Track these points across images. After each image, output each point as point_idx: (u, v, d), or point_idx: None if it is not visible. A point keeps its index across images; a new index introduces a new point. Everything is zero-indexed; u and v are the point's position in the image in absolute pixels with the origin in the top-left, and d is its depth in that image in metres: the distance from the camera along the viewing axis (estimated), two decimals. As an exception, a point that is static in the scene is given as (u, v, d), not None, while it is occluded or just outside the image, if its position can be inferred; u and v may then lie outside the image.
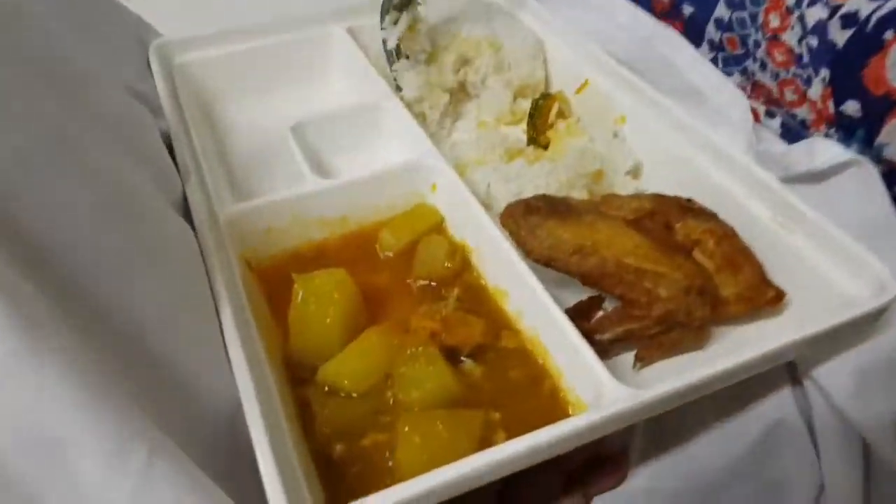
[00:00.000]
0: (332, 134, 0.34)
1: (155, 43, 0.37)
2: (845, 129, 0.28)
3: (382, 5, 0.36)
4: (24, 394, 0.18)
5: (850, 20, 0.27)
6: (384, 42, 0.36)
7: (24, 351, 0.17)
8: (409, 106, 0.34)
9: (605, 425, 0.22)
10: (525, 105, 0.36)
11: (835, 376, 0.28)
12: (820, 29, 0.28)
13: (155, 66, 0.36)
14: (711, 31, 0.33)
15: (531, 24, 0.38)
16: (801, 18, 0.28)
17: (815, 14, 0.28)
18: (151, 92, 0.34)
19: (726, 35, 0.32)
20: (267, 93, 0.38)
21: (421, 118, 0.36)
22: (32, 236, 0.19)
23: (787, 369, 0.30)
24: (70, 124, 0.25)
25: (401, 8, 0.36)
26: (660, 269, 0.25)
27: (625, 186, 0.32)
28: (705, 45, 0.33)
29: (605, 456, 0.31)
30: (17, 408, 0.18)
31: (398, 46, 0.36)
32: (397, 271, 0.30)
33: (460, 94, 0.37)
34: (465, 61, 0.38)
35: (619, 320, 0.26)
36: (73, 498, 0.19)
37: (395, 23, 0.36)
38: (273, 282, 0.29)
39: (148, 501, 0.19)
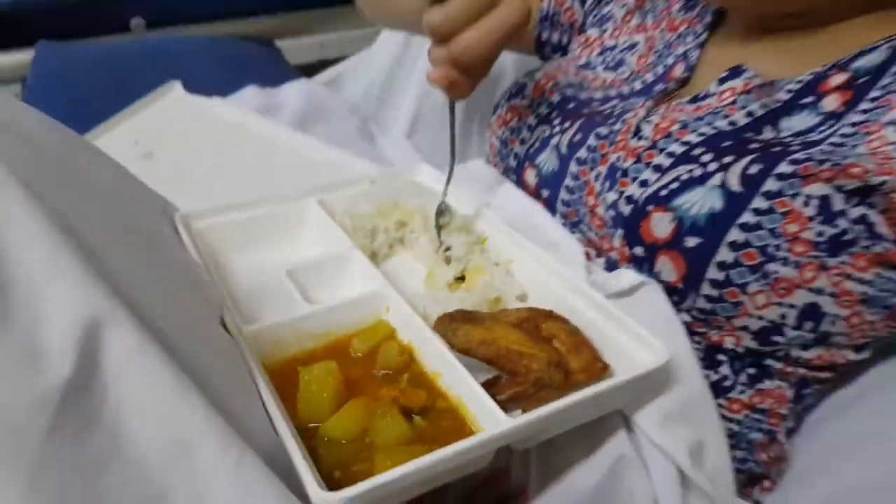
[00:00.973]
0: (315, 274, 0.49)
1: (179, 213, 0.52)
2: (637, 264, 0.46)
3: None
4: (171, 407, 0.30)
5: (630, 199, 0.46)
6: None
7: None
8: (373, 256, 0.50)
9: (494, 441, 0.37)
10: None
11: (647, 417, 0.44)
12: (614, 205, 0.46)
13: (181, 230, 0.51)
14: (559, 207, 0.51)
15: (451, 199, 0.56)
16: (604, 200, 0.47)
17: (612, 197, 0.47)
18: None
19: (567, 209, 0.51)
20: (262, 246, 0.54)
21: (374, 259, 0.52)
22: (177, 354, 0.32)
23: (622, 416, 0.46)
24: (158, 267, 0.39)
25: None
26: (532, 352, 0.41)
27: (514, 306, 0.49)
28: (558, 216, 0.51)
29: (512, 493, 0.46)
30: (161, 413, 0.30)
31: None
32: (365, 365, 0.44)
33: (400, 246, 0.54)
34: (403, 224, 0.55)
35: (509, 386, 0.41)
36: (195, 495, 0.31)
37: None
38: (279, 377, 0.43)
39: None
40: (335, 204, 0.56)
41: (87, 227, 0.32)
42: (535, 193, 0.54)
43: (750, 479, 0.54)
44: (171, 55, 0.97)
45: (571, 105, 0.54)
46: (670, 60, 0.55)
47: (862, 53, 0.47)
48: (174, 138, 0.78)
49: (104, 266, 0.30)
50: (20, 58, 1.04)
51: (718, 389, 0.48)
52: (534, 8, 0.67)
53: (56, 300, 0.28)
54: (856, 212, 0.42)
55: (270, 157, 0.76)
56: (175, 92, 0.86)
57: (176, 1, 1.44)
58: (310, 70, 1.15)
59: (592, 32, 0.61)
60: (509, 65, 0.91)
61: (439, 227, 0.52)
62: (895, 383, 0.53)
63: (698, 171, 0.44)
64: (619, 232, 0.47)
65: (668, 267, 0.45)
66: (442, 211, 0.54)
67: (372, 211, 0.55)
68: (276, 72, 1.02)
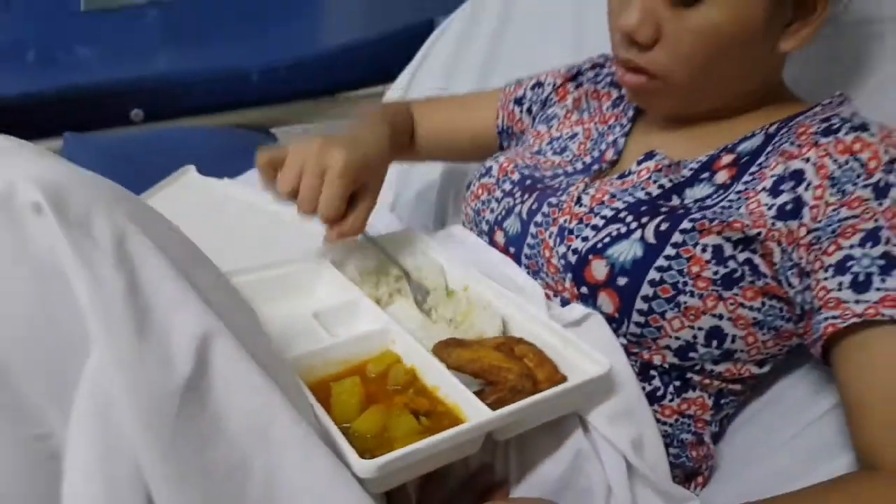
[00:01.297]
0: (335, 316, 0.62)
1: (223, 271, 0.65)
2: (584, 300, 0.61)
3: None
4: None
5: (575, 251, 0.60)
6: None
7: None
8: (378, 301, 0.64)
9: (482, 426, 0.49)
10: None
11: (597, 417, 0.56)
12: (564, 256, 0.61)
13: (224, 286, 0.63)
14: (523, 260, 0.66)
15: (436, 256, 0.70)
16: (557, 252, 0.62)
17: (562, 250, 0.61)
18: None
19: (529, 261, 0.65)
20: (289, 297, 0.66)
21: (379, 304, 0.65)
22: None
23: (579, 418, 0.58)
24: (231, 301, 0.51)
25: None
26: (508, 367, 0.54)
27: (492, 335, 0.62)
28: (523, 266, 0.66)
29: (496, 482, 0.58)
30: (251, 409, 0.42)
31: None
32: (380, 383, 0.57)
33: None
34: (399, 277, 0.69)
35: (492, 393, 0.54)
36: (271, 463, 0.42)
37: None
38: (315, 392, 0.55)
39: None
40: (345, 262, 0.69)
41: (189, 269, 0.44)
42: (504, 250, 0.68)
43: (687, 475, 0.67)
44: (183, 144, 1.11)
45: (528, 182, 0.69)
46: (603, 146, 0.71)
47: (744, 139, 0.63)
48: (192, 214, 0.91)
49: (206, 297, 0.43)
50: (47, 146, 1.17)
51: (652, 398, 0.61)
52: (491, 124, 0.85)
53: (180, 320, 0.41)
54: (742, 256, 0.57)
55: (276, 228, 0.90)
56: (190, 175, 0.99)
57: (171, 95, 1.60)
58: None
59: (541, 128, 0.78)
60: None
61: (425, 311, 0.66)
62: (791, 392, 0.67)
63: (624, 229, 0.59)
64: (569, 276, 0.61)
65: (606, 301, 0.59)
66: (419, 302, 0.67)
67: (375, 266, 0.69)
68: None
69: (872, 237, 0.53)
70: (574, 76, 0.81)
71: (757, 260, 0.57)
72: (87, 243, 0.39)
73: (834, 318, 0.53)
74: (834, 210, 0.55)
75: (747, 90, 0.63)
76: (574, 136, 0.74)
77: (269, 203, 0.94)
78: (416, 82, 1.18)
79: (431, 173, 1.06)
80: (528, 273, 0.65)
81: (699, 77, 0.59)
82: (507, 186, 0.70)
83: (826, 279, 0.54)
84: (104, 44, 1.91)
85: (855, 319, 0.52)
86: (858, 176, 0.55)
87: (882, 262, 0.52)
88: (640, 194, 0.61)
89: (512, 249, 0.67)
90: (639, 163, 0.64)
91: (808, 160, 0.57)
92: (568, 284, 0.61)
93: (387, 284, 0.68)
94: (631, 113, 0.72)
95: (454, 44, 1.17)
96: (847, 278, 0.53)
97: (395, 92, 1.22)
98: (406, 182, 1.11)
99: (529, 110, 0.82)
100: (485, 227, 0.71)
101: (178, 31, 2.13)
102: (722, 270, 0.57)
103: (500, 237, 0.69)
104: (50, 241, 0.38)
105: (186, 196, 0.95)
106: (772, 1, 0.56)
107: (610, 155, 0.69)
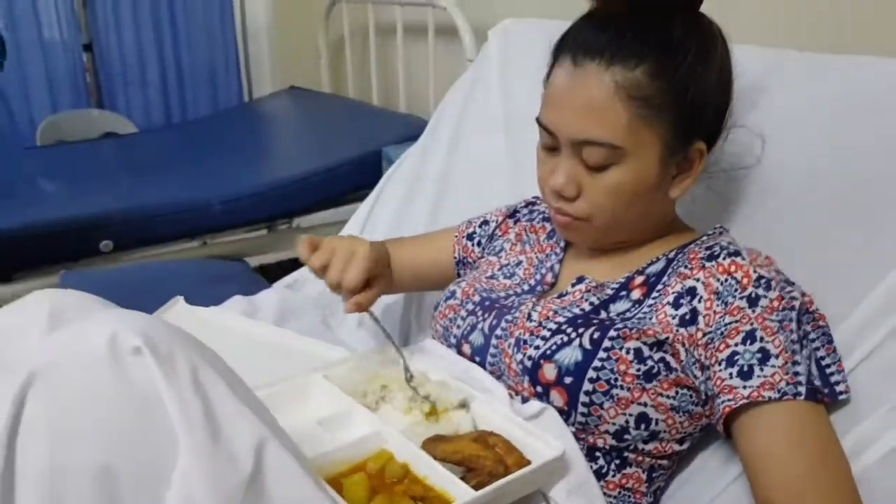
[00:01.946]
0: (335, 423, 0.75)
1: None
2: (539, 397, 0.75)
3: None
4: None
5: (530, 358, 0.75)
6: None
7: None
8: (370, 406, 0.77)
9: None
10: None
11: (558, 492, 0.69)
12: (521, 363, 0.76)
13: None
14: (488, 367, 0.81)
15: (416, 365, 0.84)
16: (515, 359, 0.77)
17: (519, 357, 0.77)
18: None
19: (492, 368, 0.80)
20: (289, 409, 0.78)
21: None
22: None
23: (542, 494, 0.71)
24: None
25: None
26: (485, 455, 0.68)
27: (467, 430, 0.76)
28: (487, 371, 0.81)
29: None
30: None
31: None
32: (380, 477, 0.69)
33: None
34: (384, 386, 0.82)
35: (472, 478, 0.67)
36: None
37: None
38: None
39: None
40: (335, 376, 0.82)
41: (237, 389, 0.57)
42: (471, 359, 0.83)
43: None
44: (168, 275, 1.23)
45: (487, 302, 0.85)
46: (543, 271, 0.88)
47: (651, 264, 0.81)
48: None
49: (252, 409, 0.56)
50: (44, 283, 1.27)
51: (598, 475, 0.75)
52: (449, 256, 1.02)
53: (241, 429, 0.53)
54: (657, 356, 0.74)
55: (262, 348, 1.02)
56: (179, 305, 1.11)
57: (139, 226, 1.71)
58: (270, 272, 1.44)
59: (492, 258, 0.95)
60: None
61: (413, 388, 0.80)
62: (708, 463, 0.83)
63: (566, 339, 0.75)
64: (526, 378, 0.76)
65: (556, 397, 0.74)
66: (409, 378, 0.81)
67: (361, 377, 0.82)
68: (249, 282, 1.29)
69: (750, 336, 0.70)
70: (512, 214, 0.99)
71: (668, 358, 0.74)
72: (173, 375, 0.52)
73: (729, 400, 0.69)
74: (720, 317, 0.72)
75: (650, 226, 0.82)
76: (519, 263, 0.91)
77: (250, 326, 1.07)
78: (373, 215, 1.35)
79: (394, 296, 1.21)
80: (493, 377, 0.80)
81: (612, 220, 0.78)
82: (470, 307, 0.86)
83: (720, 371, 0.70)
84: (64, 177, 2.03)
85: (744, 401, 0.68)
86: (735, 290, 0.72)
87: (759, 355, 0.69)
88: (576, 310, 0.78)
89: (477, 358, 0.82)
90: (573, 285, 0.81)
91: (698, 279, 0.75)
92: (526, 385, 0.76)
93: (373, 394, 0.81)
94: (563, 244, 0.90)
95: (407, 181, 1.35)
96: (735, 369, 0.69)
97: (354, 223, 1.38)
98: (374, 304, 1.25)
99: (479, 243, 0.99)
100: (453, 341, 0.86)
101: (135, 164, 2.27)
102: (643, 368, 0.73)
103: (466, 349, 0.84)
104: (148, 375, 0.51)
105: (180, 325, 1.06)
106: (661, 164, 0.75)
107: (549, 278, 0.86)
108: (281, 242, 1.84)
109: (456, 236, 1.02)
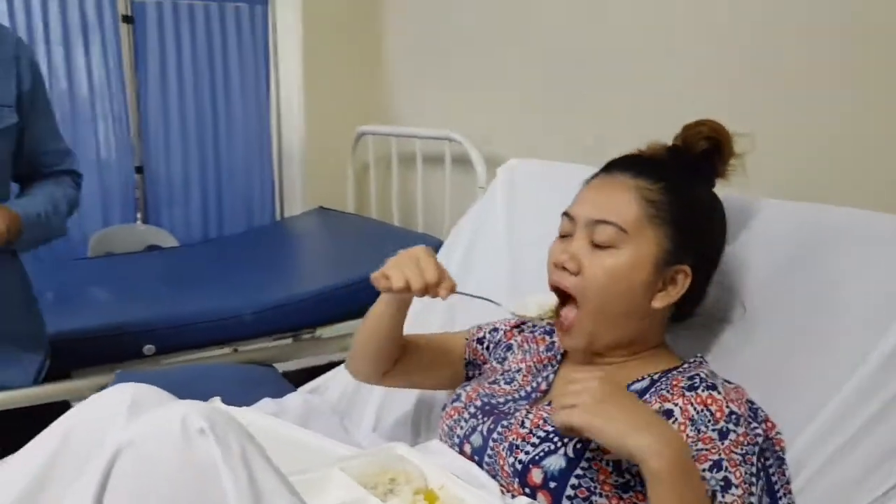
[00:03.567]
0: None
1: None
2: (528, 497, 0.86)
3: None
4: None
5: (520, 462, 0.88)
6: None
7: None
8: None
9: None
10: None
11: None
12: (513, 465, 0.88)
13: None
14: (485, 466, 0.93)
15: (419, 463, 0.96)
16: (507, 462, 0.89)
17: (511, 461, 0.89)
18: None
19: (489, 468, 0.92)
20: (315, 493, 0.90)
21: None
22: None
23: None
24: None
25: None
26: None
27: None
28: (484, 469, 0.93)
29: None
30: None
31: None
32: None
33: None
34: (392, 479, 0.94)
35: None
36: None
37: None
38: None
39: None
40: (350, 469, 0.95)
41: (274, 467, 0.70)
42: (471, 458, 0.95)
43: None
44: (208, 378, 1.38)
45: (487, 407, 0.98)
46: (539, 380, 1.01)
47: (636, 381, 0.93)
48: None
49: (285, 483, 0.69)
50: (97, 380, 1.42)
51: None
52: (460, 356, 1.15)
53: (277, 497, 0.66)
54: (634, 469, 0.85)
55: (287, 445, 1.14)
56: (216, 404, 1.25)
57: (179, 332, 1.88)
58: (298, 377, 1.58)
59: (496, 365, 1.09)
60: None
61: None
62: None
63: (553, 447, 0.87)
64: (517, 480, 0.88)
65: (542, 499, 0.85)
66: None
67: (373, 471, 0.95)
68: (277, 385, 1.43)
69: (717, 465, 0.81)
70: (519, 325, 1.14)
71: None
72: (228, 451, 0.66)
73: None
74: (692, 442, 0.82)
75: (634, 333, 0.94)
76: (519, 370, 1.05)
77: (277, 425, 1.20)
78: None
79: (407, 403, 1.34)
80: (489, 475, 0.91)
81: (601, 303, 0.90)
82: (472, 410, 0.99)
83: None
84: (112, 286, 2.22)
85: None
86: (709, 421, 0.83)
87: (722, 483, 0.80)
88: (564, 420, 0.90)
89: (476, 458, 0.94)
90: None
91: (676, 405, 0.86)
92: (516, 485, 0.88)
93: (382, 485, 0.93)
94: (559, 357, 1.04)
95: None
96: (700, 492, 0.80)
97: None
98: (387, 409, 1.38)
99: (488, 348, 1.13)
100: (456, 440, 0.98)
101: (175, 275, 2.47)
102: (620, 480, 0.84)
103: (467, 448, 0.96)
104: (209, 450, 0.65)
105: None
106: (654, 266, 0.90)
107: (543, 386, 1.00)
108: (305, 350, 1.98)
109: (467, 339, 1.16)
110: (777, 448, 0.85)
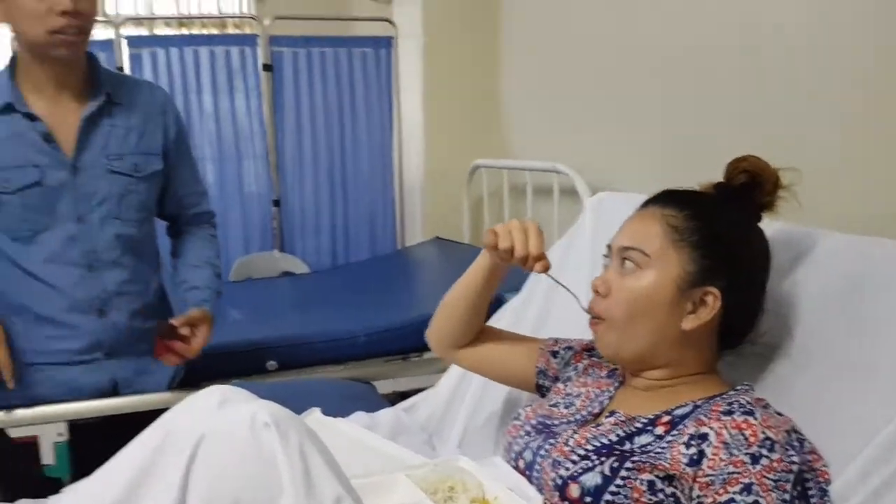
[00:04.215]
0: None
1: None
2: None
3: None
4: None
5: (560, 477, 0.93)
6: None
7: None
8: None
9: None
10: None
11: None
12: (554, 480, 0.94)
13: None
14: (534, 480, 1.00)
15: (478, 476, 1.04)
16: (551, 477, 0.96)
17: (552, 476, 0.95)
18: None
19: (537, 482, 0.99)
20: (378, 496, 1.01)
21: None
22: None
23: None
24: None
25: None
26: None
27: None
28: (533, 483, 1.00)
29: None
30: None
31: None
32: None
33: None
34: (451, 488, 1.03)
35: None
36: None
37: None
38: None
39: None
40: (414, 476, 1.05)
41: (329, 461, 0.82)
42: (523, 472, 1.02)
43: None
44: (311, 391, 1.53)
45: (541, 427, 1.05)
46: (595, 405, 1.07)
47: (680, 407, 0.97)
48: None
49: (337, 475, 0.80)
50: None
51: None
52: (532, 362, 1.22)
53: (328, 487, 0.78)
54: (668, 490, 0.88)
55: (369, 452, 1.26)
56: (316, 414, 1.40)
57: (299, 351, 2.07)
58: (394, 398, 1.71)
59: (560, 386, 1.15)
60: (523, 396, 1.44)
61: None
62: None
63: (590, 464, 0.92)
64: (557, 494, 0.93)
65: (579, 513, 0.91)
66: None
67: (435, 479, 1.04)
68: (373, 402, 1.57)
69: (748, 489, 0.82)
70: (590, 348, 1.19)
71: (679, 494, 0.88)
72: (287, 445, 0.78)
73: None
74: (724, 465, 0.84)
75: (672, 360, 0.98)
76: (579, 395, 1.10)
77: (368, 437, 1.32)
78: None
79: (491, 423, 1.41)
80: (536, 489, 0.98)
81: (626, 321, 0.96)
82: (528, 429, 1.06)
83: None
84: (248, 307, 2.47)
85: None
86: (742, 445, 0.85)
87: None
88: (604, 440, 0.95)
89: (527, 472, 1.01)
90: (606, 417, 1.00)
91: (712, 428, 0.88)
92: (556, 499, 0.94)
93: (441, 492, 1.02)
94: (617, 383, 1.08)
95: (510, 321, 1.59)
96: (732, 514, 0.82)
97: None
98: (473, 427, 1.46)
99: (559, 363, 1.19)
100: (512, 456, 1.06)
101: (303, 299, 2.71)
102: (654, 499, 0.88)
103: (521, 463, 1.03)
104: (272, 443, 0.77)
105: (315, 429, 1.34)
106: (676, 287, 0.94)
107: (596, 410, 1.05)
108: (411, 370, 2.11)
109: (541, 348, 1.22)
110: (821, 479, 0.85)
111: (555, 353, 1.21)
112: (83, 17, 1.35)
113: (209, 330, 1.57)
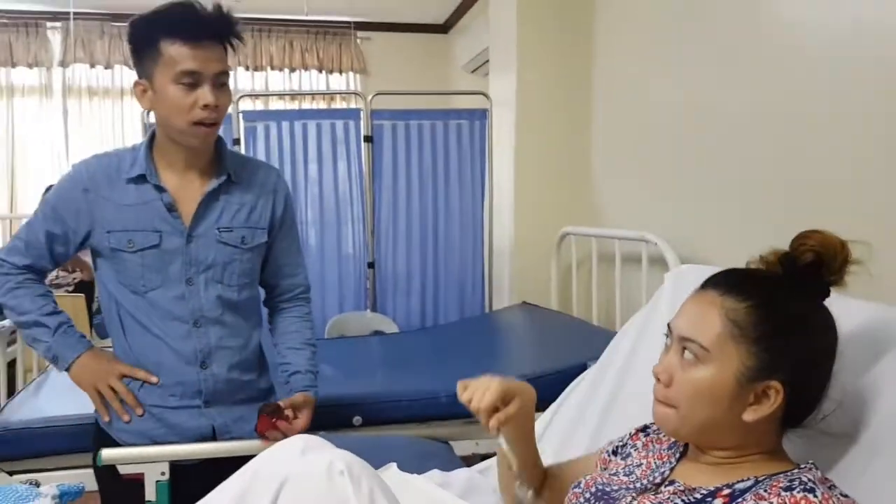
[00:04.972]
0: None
1: None
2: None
3: None
4: None
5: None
6: None
7: None
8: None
9: None
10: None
11: None
12: None
13: None
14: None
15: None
16: None
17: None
18: None
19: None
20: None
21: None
22: None
23: None
24: None
25: None
26: None
27: None
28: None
29: None
30: None
31: None
32: None
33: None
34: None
35: None
36: None
37: None
38: None
39: None
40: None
41: None
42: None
43: None
44: (390, 447, 1.61)
45: (600, 493, 1.07)
46: (657, 475, 1.08)
47: (741, 481, 0.98)
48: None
49: None
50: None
51: None
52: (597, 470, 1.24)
53: None
54: None
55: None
56: (392, 469, 1.47)
57: (383, 408, 2.16)
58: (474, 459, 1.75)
59: (619, 461, 1.17)
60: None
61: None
62: None
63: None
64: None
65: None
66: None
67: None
68: (450, 461, 1.62)
69: None
70: (644, 429, 1.21)
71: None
72: (358, 490, 0.86)
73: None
74: None
75: (735, 444, 0.99)
76: (640, 465, 1.13)
77: (442, 495, 1.37)
78: (556, 418, 1.62)
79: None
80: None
81: (688, 412, 0.98)
82: (587, 496, 1.09)
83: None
84: (339, 364, 2.60)
85: None
86: None
87: None
88: (663, 507, 0.98)
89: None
90: (665, 487, 1.01)
91: (770, 503, 0.90)
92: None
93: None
94: (678, 455, 1.10)
95: (587, 390, 1.62)
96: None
97: (539, 423, 1.66)
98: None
99: (615, 452, 1.21)
100: (576, 519, 1.09)
101: (391, 358, 2.81)
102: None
103: (585, 526, 1.06)
104: (345, 488, 0.85)
105: (389, 483, 1.41)
106: (737, 381, 0.95)
107: (657, 480, 1.07)
108: (485, 433, 2.14)
109: (600, 455, 1.24)
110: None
111: (614, 451, 1.22)
112: (220, 110, 1.54)
113: (311, 413, 1.70)
